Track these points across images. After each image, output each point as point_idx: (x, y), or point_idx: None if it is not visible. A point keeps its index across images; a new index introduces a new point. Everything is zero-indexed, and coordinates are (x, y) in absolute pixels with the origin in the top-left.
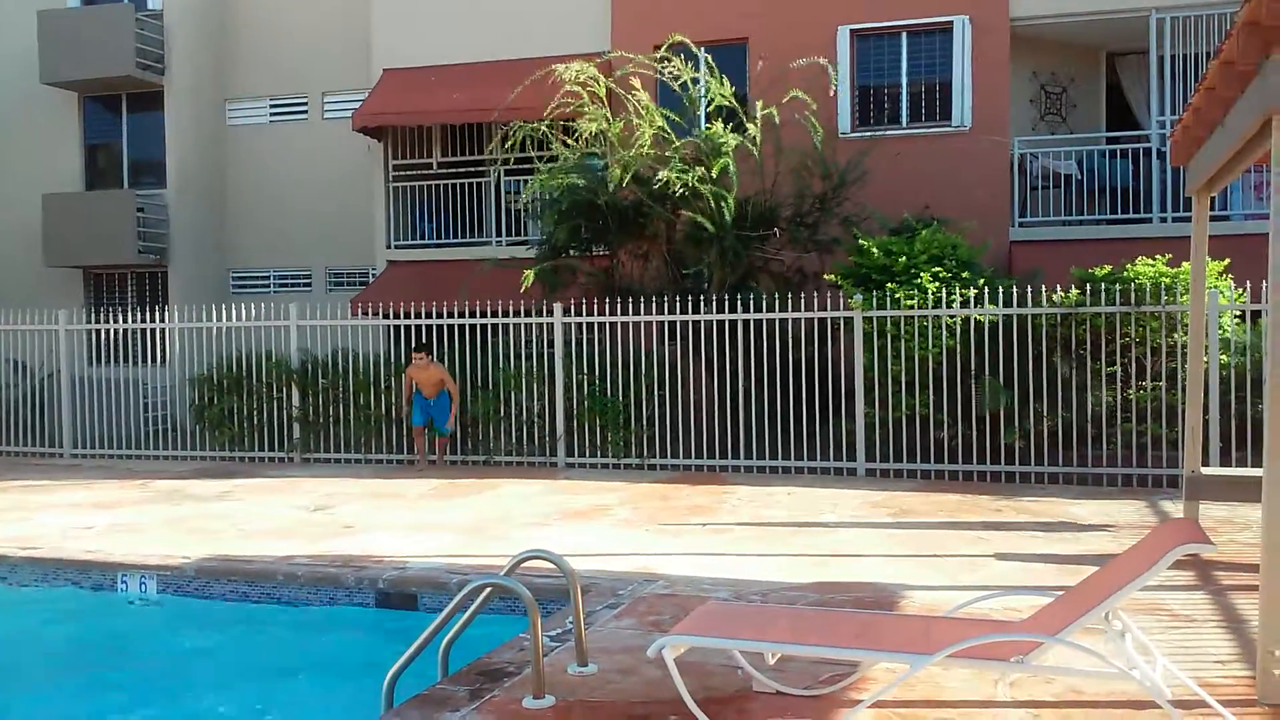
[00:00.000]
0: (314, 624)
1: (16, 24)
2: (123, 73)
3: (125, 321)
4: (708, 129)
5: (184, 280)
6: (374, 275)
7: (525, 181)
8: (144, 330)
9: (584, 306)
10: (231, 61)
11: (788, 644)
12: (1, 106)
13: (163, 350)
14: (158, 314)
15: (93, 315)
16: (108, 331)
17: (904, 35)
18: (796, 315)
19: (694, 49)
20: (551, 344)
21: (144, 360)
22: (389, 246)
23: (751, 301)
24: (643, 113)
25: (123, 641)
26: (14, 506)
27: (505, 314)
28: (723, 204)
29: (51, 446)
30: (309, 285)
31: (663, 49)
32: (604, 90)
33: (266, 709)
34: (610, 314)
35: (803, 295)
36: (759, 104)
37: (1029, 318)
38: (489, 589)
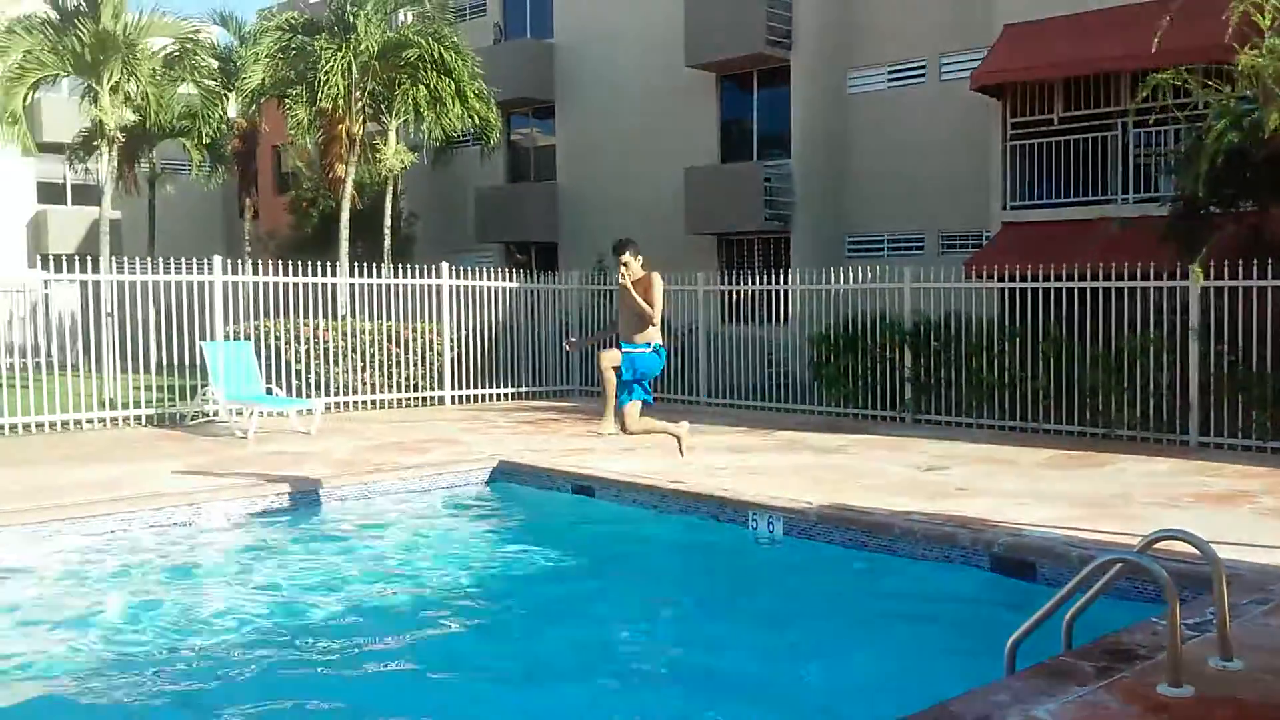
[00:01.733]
0: (925, 580)
1: (668, 14)
2: (754, 51)
3: (752, 283)
4: None
5: (804, 245)
6: (988, 237)
7: (1157, 134)
8: (768, 291)
9: (1226, 269)
10: (852, 32)
11: None
12: (655, 90)
13: (784, 310)
14: (780, 276)
15: (724, 278)
16: (736, 292)
17: None
18: None
19: None
20: (1184, 310)
21: (767, 319)
22: (1004, 207)
23: None
24: None
25: (750, 573)
26: (662, 445)
27: (1131, 277)
28: None
29: (689, 394)
30: (921, 248)
31: None
32: (1268, 20)
33: (880, 654)
34: (1260, 277)
35: None
36: None
37: None
38: (1119, 565)
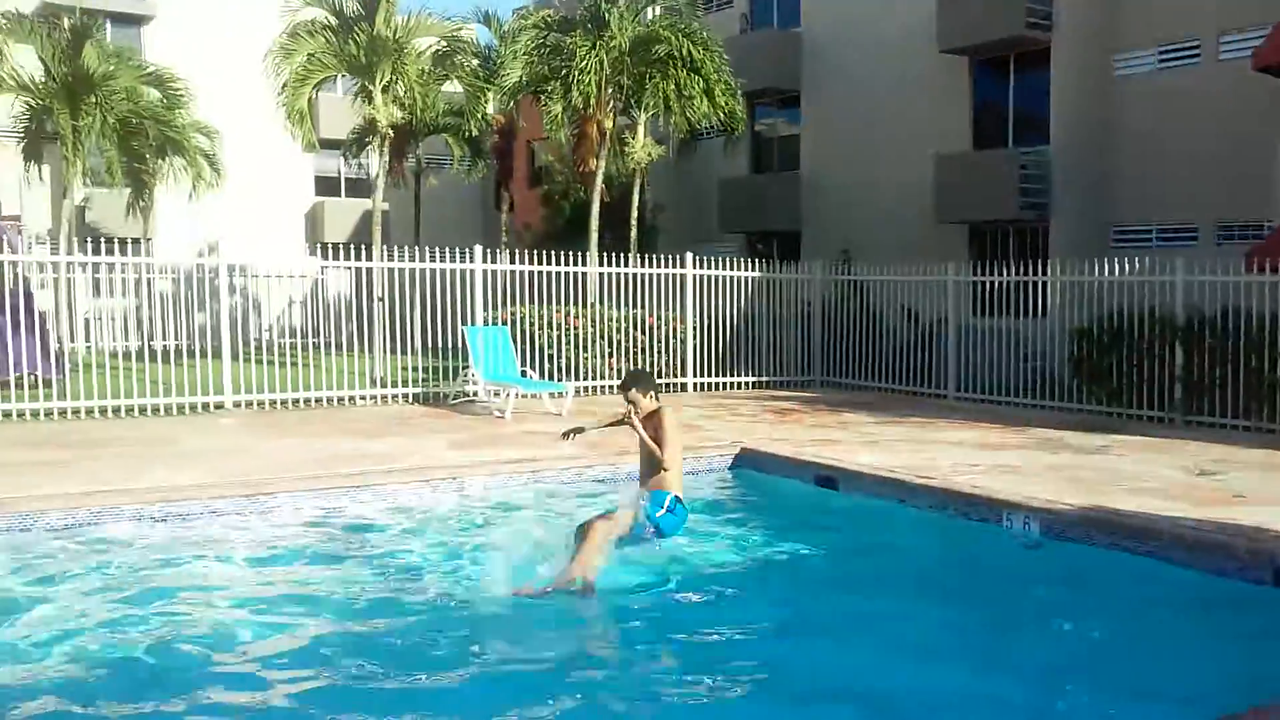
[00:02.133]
0: (1198, 590)
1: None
2: (1012, 33)
3: (1007, 274)
4: None
5: (1063, 235)
6: (1270, 228)
7: None
8: (1024, 283)
9: None
10: (1120, 11)
11: None
12: (904, 75)
13: (1042, 303)
14: (1037, 268)
15: (975, 268)
16: (988, 284)
17: None
18: None
19: None
20: None
21: (1023, 312)
22: None
23: None
24: None
25: (1005, 574)
26: (909, 439)
27: None
28: None
29: (936, 388)
30: (1194, 239)
31: None
32: None
33: (1150, 664)
34: None
35: None
36: None
37: None
38: None
